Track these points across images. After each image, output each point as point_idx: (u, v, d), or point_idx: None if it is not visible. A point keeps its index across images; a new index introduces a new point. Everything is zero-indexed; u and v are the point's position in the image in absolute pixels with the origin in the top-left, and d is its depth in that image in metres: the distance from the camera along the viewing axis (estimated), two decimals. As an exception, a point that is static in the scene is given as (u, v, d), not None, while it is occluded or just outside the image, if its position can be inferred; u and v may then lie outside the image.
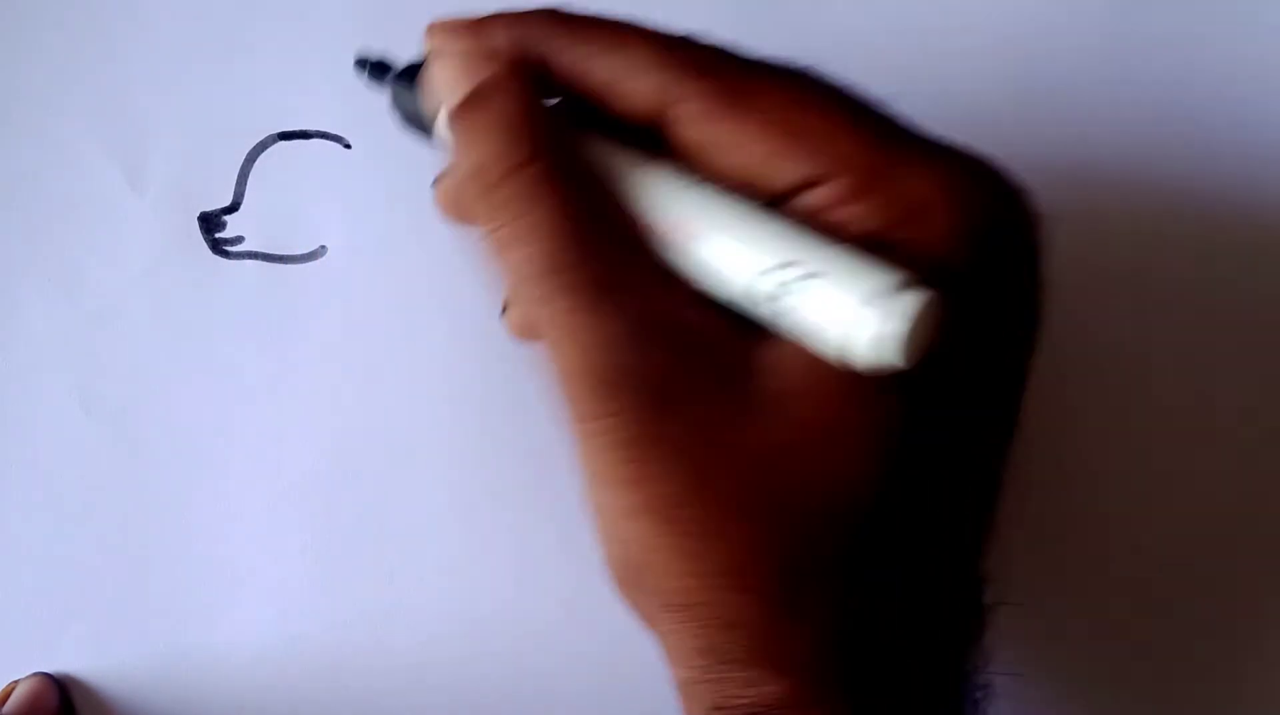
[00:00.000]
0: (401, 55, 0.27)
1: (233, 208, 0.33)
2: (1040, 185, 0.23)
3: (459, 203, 0.22)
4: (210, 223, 0.33)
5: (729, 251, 0.20)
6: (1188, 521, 0.30)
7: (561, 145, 0.21)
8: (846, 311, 0.18)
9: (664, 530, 0.20)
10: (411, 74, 0.24)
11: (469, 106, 0.22)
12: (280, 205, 0.33)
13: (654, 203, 0.21)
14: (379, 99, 0.33)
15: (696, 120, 0.20)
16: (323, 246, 0.33)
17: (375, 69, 0.26)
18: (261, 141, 0.33)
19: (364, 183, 0.33)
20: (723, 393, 0.20)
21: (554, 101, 0.22)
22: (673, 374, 0.20)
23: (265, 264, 0.33)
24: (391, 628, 0.32)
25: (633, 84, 0.21)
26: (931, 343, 0.19)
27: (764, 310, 0.20)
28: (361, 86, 0.33)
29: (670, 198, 0.21)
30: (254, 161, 0.33)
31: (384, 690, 0.32)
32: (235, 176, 0.33)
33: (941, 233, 0.19)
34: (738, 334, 0.20)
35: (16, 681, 0.32)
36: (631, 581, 0.22)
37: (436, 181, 0.25)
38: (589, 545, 0.30)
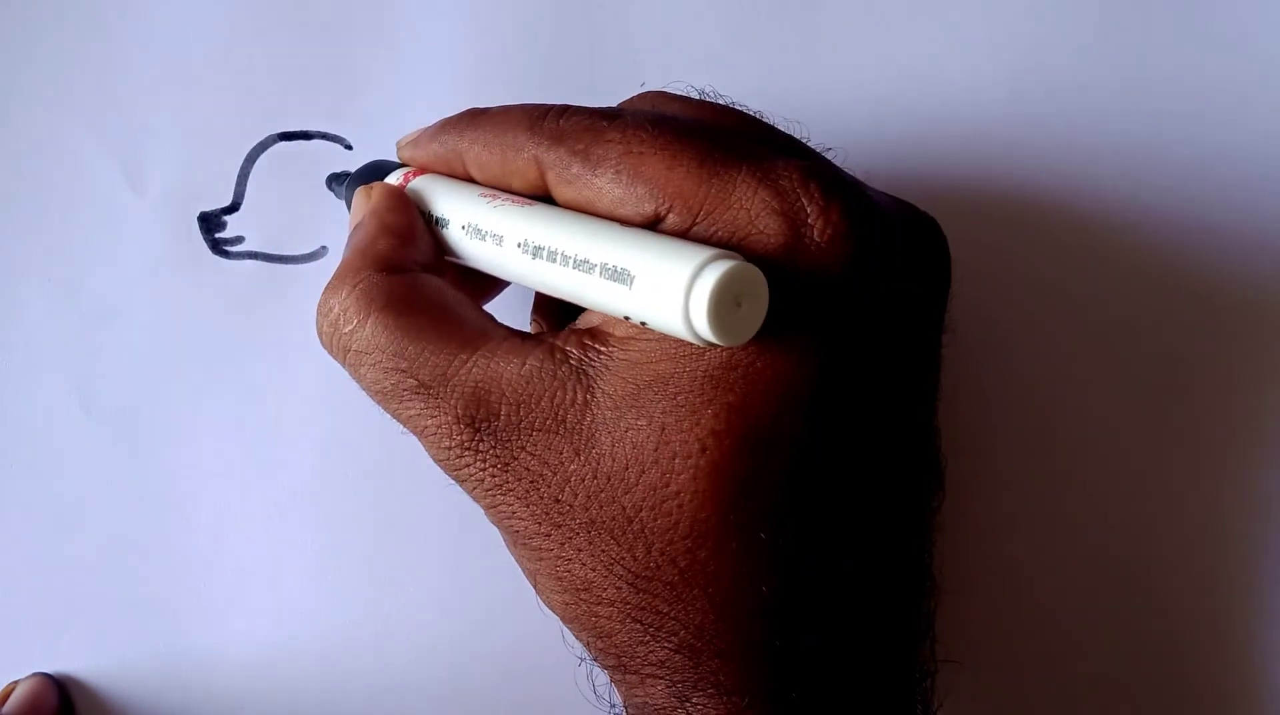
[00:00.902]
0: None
1: (233, 208, 0.33)
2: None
3: (319, 331, 0.25)
4: (210, 223, 0.33)
5: (561, 272, 0.22)
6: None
7: (396, 269, 0.24)
8: (665, 295, 0.19)
9: (530, 555, 0.23)
10: (362, 179, 0.28)
11: (347, 242, 0.26)
12: (280, 205, 0.33)
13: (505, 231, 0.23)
14: (378, 99, 0.33)
15: (561, 183, 0.23)
16: (323, 247, 0.33)
17: (334, 179, 0.30)
18: (261, 141, 0.33)
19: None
20: (561, 432, 0.22)
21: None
22: (508, 432, 0.22)
23: (265, 264, 0.33)
24: (391, 628, 0.32)
25: (516, 161, 0.24)
26: (760, 318, 0.20)
27: (609, 309, 0.21)
28: (361, 87, 0.33)
29: (527, 221, 0.23)
30: (254, 161, 0.33)
31: (384, 690, 0.32)
32: (235, 176, 0.33)
33: (776, 240, 0.21)
34: (573, 373, 0.22)
35: (16, 681, 0.32)
36: (540, 598, 0.24)
37: None
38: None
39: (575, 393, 0.22)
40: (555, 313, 0.26)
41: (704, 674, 0.22)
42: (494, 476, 0.23)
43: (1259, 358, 0.30)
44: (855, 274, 0.21)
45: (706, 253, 0.19)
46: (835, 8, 0.32)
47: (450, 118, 0.26)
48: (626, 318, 0.21)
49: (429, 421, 0.23)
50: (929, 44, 0.31)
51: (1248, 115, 0.31)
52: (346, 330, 0.24)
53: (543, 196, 0.24)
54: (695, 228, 0.21)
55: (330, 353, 0.25)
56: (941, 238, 0.25)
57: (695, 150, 0.21)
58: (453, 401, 0.23)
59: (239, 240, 0.33)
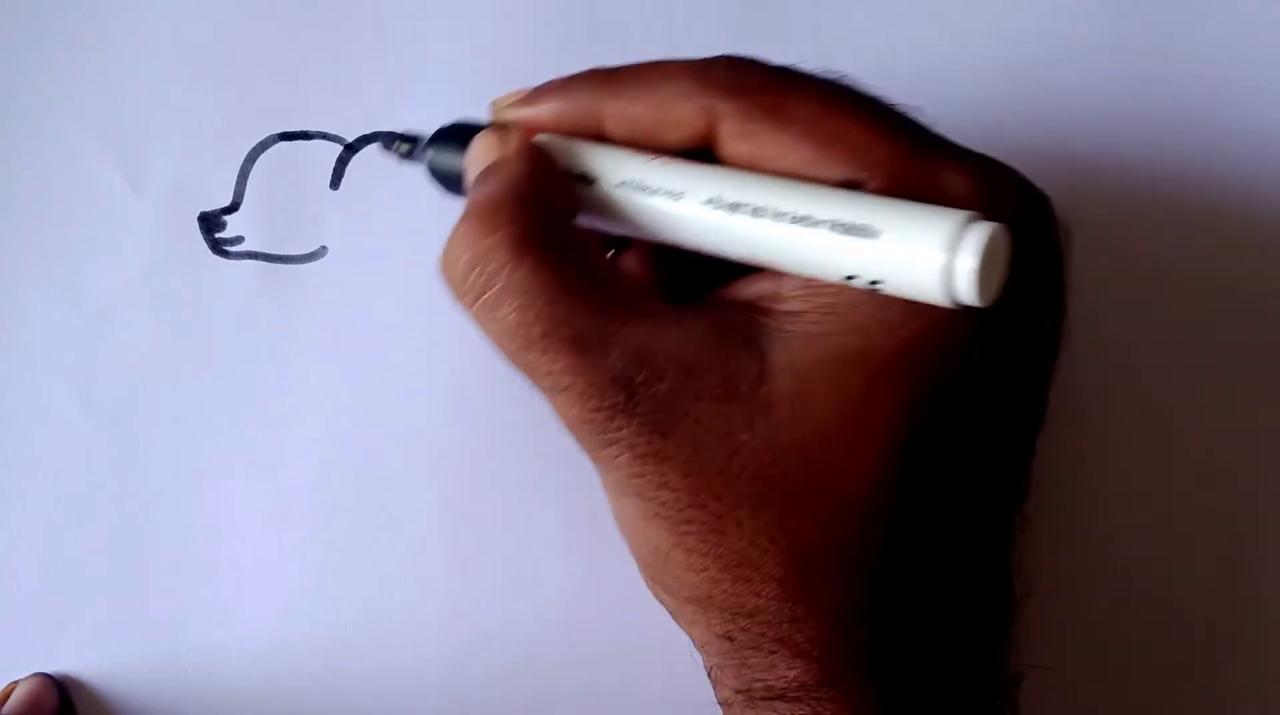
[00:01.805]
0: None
1: (233, 208, 0.33)
2: (1048, 186, 0.23)
3: (452, 269, 0.23)
4: (210, 223, 0.33)
5: (796, 229, 0.20)
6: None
7: (547, 216, 0.22)
8: (922, 252, 0.19)
9: (674, 530, 0.22)
10: (443, 138, 0.26)
11: (477, 182, 0.23)
12: (280, 205, 0.33)
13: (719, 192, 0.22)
14: (378, 99, 0.33)
15: (739, 136, 0.22)
16: (323, 246, 0.33)
17: (398, 138, 0.27)
18: (261, 141, 0.33)
19: (364, 183, 0.33)
20: (735, 401, 0.21)
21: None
22: (672, 398, 0.21)
23: (265, 264, 0.33)
24: (391, 628, 0.32)
25: (677, 113, 0.22)
26: (1004, 281, 0.19)
27: (821, 270, 0.20)
28: (362, 87, 0.33)
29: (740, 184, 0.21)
30: (254, 161, 0.33)
31: (384, 690, 0.32)
32: (235, 176, 0.33)
33: None
34: (745, 343, 0.21)
35: (16, 682, 0.32)
36: (655, 578, 0.23)
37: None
38: (588, 545, 0.30)
39: (749, 362, 0.21)
40: (659, 286, 0.25)
41: (854, 653, 0.21)
42: (650, 443, 0.21)
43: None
44: (1029, 270, 0.21)
45: (961, 212, 0.19)
46: (839, 4, 0.32)
47: (572, 76, 0.24)
48: (850, 278, 0.20)
49: (576, 377, 0.21)
50: (934, 40, 0.31)
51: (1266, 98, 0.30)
52: (492, 268, 0.22)
53: (700, 155, 0.22)
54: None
55: (460, 288, 0.22)
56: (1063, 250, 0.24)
57: (898, 122, 0.21)
58: (611, 359, 0.21)
59: (239, 240, 0.33)
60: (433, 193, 0.27)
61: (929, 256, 0.19)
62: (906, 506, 0.21)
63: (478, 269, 0.22)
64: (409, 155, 0.27)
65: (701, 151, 0.22)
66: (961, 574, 0.23)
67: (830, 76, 0.22)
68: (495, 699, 0.32)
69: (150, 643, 0.32)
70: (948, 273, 0.19)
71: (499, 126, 0.24)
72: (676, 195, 0.22)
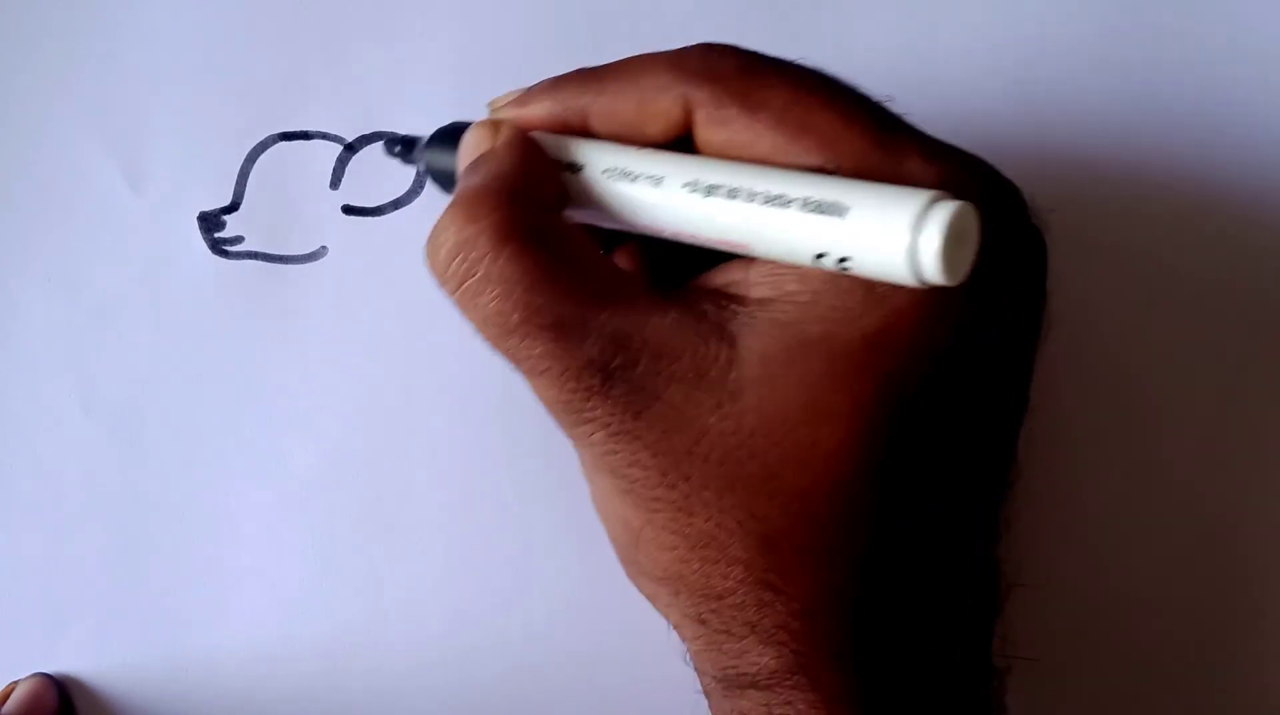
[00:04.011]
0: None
1: (232, 208, 0.33)
2: (1041, 182, 0.23)
3: (435, 256, 0.23)
4: (210, 223, 0.33)
5: (765, 211, 0.21)
6: (1194, 507, 0.30)
7: (531, 205, 0.23)
8: (888, 229, 0.19)
9: (646, 507, 0.22)
10: (440, 139, 0.27)
11: (465, 173, 0.24)
12: (280, 205, 0.33)
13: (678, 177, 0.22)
14: (378, 99, 0.33)
15: (713, 123, 0.22)
16: (322, 246, 0.33)
17: (399, 142, 0.28)
18: (261, 141, 0.33)
19: (364, 183, 0.33)
20: (703, 386, 0.21)
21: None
22: (645, 380, 0.22)
23: (265, 264, 0.33)
24: (390, 628, 0.32)
25: (657, 105, 0.23)
26: (973, 262, 0.19)
27: (791, 250, 0.21)
28: (362, 87, 0.33)
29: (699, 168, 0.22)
30: (254, 161, 0.33)
31: (383, 690, 0.32)
32: (235, 176, 0.33)
33: None
34: (715, 329, 0.22)
35: (16, 682, 0.32)
36: (630, 558, 0.24)
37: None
38: (587, 546, 0.30)
39: (718, 348, 0.21)
40: (643, 275, 0.26)
41: (825, 641, 0.22)
42: (623, 422, 0.22)
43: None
44: (1000, 258, 0.21)
45: (927, 191, 0.19)
46: (838, 2, 0.32)
47: (560, 76, 0.24)
48: (819, 257, 0.20)
49: (554, 362, 0.22)
50: (933, 37, 0.31)
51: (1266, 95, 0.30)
52: (475, 256, 0.22)
53: (680, 145, 0.23)
54: None
55: (442, 276, 0.23)
56: (1042, 237, 0.25)
57: (867, 111, 0.21)
58: (588, 344, 0.22)
59: (238, 240, 0.33)
60: (433, 192, 0.27)
61: (895, 233, 0.19)
62: (883, 495, 0.21)
63: (460, 256, 0.22)
64: (409, 158, 0.28)
65: (684, 144, 0.23)
66: (946, 564, 0.23)
67: (804, 64, 0.22)
68: (495, 699, 0.32)
69: (150, 643, 0.32)
70: (913, 250, 0.19)
71: (492, 122, 0.25)
72: (657, 180, 0.22)
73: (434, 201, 0.26)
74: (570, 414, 0.22)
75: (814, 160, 0.21)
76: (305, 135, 0.33)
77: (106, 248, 0.33)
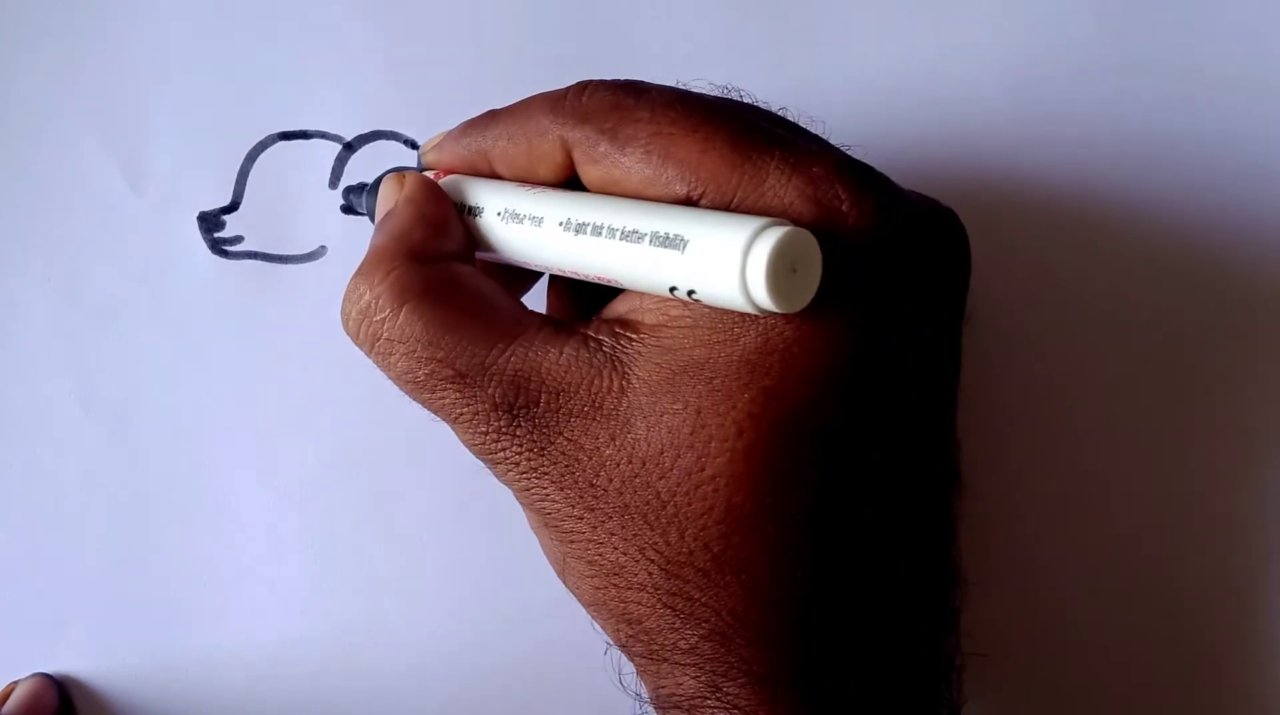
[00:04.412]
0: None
1: (232, 207, 0.33)
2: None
3: (346, 323, 0.25)
4: (210, 222, 0.33)
5: (610, 247, 0.22)
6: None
7: (429, 260, 0.24)
8: (720, 259, 0.19)
9: (560, 539, 0.23)
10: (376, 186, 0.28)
11: (375, 230, 0.26)
12: (279, 205, 0.33)
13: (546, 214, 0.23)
14: (378, 99, 0.33)
15: (589, 162, 0.23)
16: (322, 246, 0.33)
17: (351, 191, 0.30)
18: (261, 141, 0.33)
19: (363, 182, 0.33)
20: (599, 418, 0.22)
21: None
22: (546, 418, 0.22)
23: (265, 264, 0.33)
24: (390, 627, 0.32)
25: (541, 148, 0.24)
26: (813, 288, 0.20)
27: (651, 283, 0.21)
28: (362, 87, 0.33)
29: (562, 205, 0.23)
30: (254, 161, 0.33)
31: (383, 690, 0.32)
32: (235, 176, 0.33)
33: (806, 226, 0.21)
34: (608, 361, 0.22)
35: (16, 682, 0.32)
36: (566, 585, 0.24)
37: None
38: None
39: (611, 380, 0.22)
40: (571, 308, 0.26)
41: (735, 661, 0.22)
42: (530, 460, 0.23)
43: None
44: (886, 261, 0.21)
45: (760, 219, 0.19)
46: (834, 4, 0.32)
47: (471, 119, 0.26)
48: (673, 289, 0.21)
49: (464, 409, 0.23)
50: (931, 37, 0.31)
51: (1263, 103, 0.30)
52: (378, 318, 0.23)
53: (572, 183, 0.24)
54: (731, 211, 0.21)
55: (356, 340, 0.24)
56: (961, 230, 0.25)
57: (727, 133, 0.21)
58: (490, 390, 0.23)
59: (238, 240, 0.33)
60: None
61: (728, 264, 0.19)
62: (788, 510, 0.21)
63: (365, 321, 0.24)
64: (359, 206, 0.29)
65: (579, 182, 0.24)
66: (888, 567, 0.23)
67: (677, 93, 0.23)
68: (495, 698, 0.32)
69: (150, 643, 0.32)
70: (743, 280, 0.19)
71: (401, 174, 0.26)
72: (538, 221, 0.23)
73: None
74: (486, 456, 0.23)
75: (680, 190, 0.21)
76: (304, 135, 0.33)
77: (106, 248, 0.33)
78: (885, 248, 0.21)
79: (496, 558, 0.32)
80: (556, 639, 0.31)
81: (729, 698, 0.22)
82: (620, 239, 0.21)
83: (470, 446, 0.24)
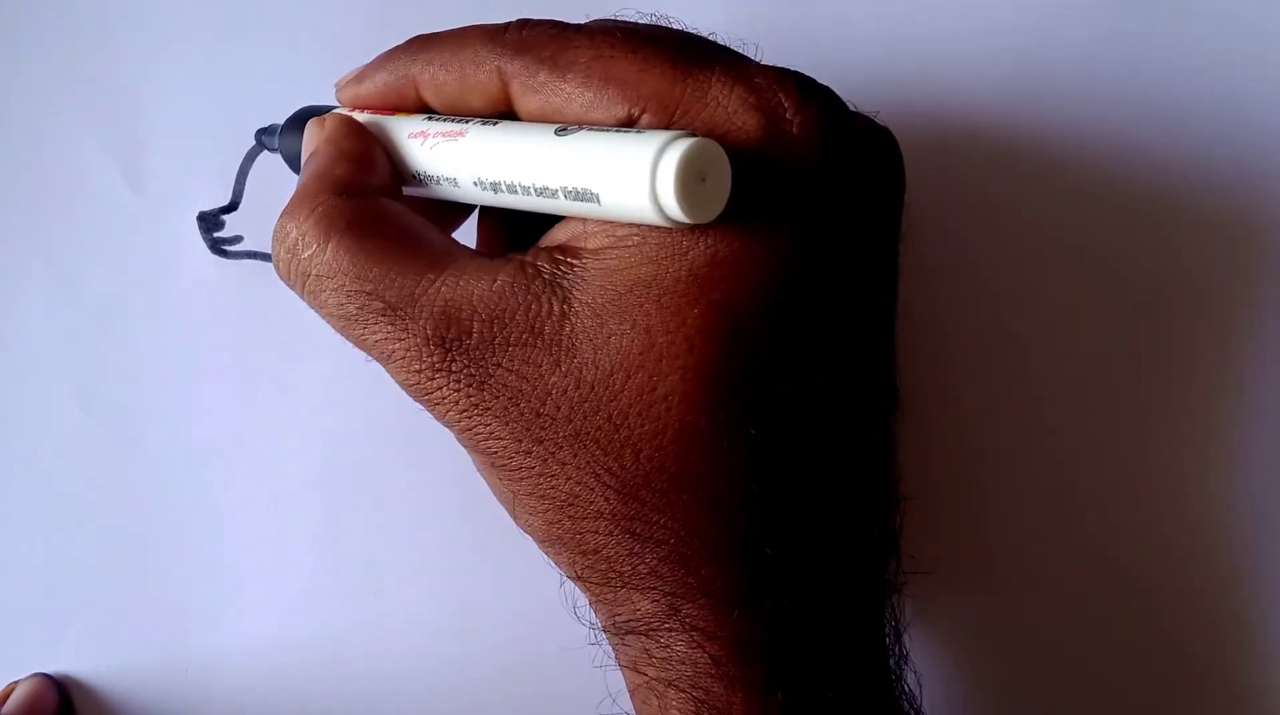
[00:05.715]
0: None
1: (231, 207, 0.33)
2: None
3: (276, 262, 0.24)
4: (209, 222, 0.33)
5: (519, 163, 0.22)
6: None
7: (353, 194, 0.24)
8: (632, 186, 0.19)
9: (509, 477, 0.22)
10: (292, 126, 0.28)
11: (301, 171, 0.25)
12: (278, 204, 0.33)
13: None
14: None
15: (527, 91, 0.22)
16: (322, 246, 0.33)
17: (263, 132, 0.30)
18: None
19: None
20: (539, 345, 0.21)
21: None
22: (482, 350, 0.22)
23: (264, 263, 0.33)
24: (390, 628, 0.32)
25: (475, 79, 0.23)
26: (724, 195, 0.20)
27: (576, 208, 0.21)
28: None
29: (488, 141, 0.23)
30: (253, 161, 0.33)
31: (384, 690, 0.32)
32: (234, 176, 0.33)
33: (754, 135, 0.21)
34: (547, 287, 0.22)
35: (16, 682, 0.32)
36: (519, 525, 0.24)
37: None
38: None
39: (551, 305, 0.21)
40: (503, 241, 0.26)
41: (695, 582, 0.21)
42: (469, 396, 0.22)
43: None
44: (830, 170, 0.21)
45: (662, 135, 0.19)
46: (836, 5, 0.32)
47: (395, 47, 0.25)
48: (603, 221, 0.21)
49: (396, 345, 0.22)
50: (924, 29, 0.31)
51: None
52: (305, 255, 0.23)
53: (505, 114, 0.23)
54: (672, 127, 0.21)
55: (287, 280, 0.24)
56: (897, 148, 0.25)
57: (668, 52, 0.21)
58: (421, 322, 0.22)
59: (237, 239, 0.33)
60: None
61: (637, 188, 0.19)
62: (742, 426, 0.21)
63: (294, 258, 0.23)
64: (271, 145, 0.28)
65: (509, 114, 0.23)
66: (839, 486, 0.23)
67: (608, 23, 0.23)
68: (495, 698, 0.32)
69: (150, 643, 0.32)
70: (654, 195, 0.19)
71: (322, 117, 0.26)
72: (454, 181, 0.23)
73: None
74: (423, 396, 0.23)
75: (622, 111, 0.21)
76: (304, 134, 0.33)
77: (106, 248, 0.33)
78: (829, 155, 0.21)
79: (497, 558, 0.32)
80: (556, 639, 0.31)
81: (688, 619, 0.22)
82: (537, 197, 0.21)
83: (406, 387, 0.23)
